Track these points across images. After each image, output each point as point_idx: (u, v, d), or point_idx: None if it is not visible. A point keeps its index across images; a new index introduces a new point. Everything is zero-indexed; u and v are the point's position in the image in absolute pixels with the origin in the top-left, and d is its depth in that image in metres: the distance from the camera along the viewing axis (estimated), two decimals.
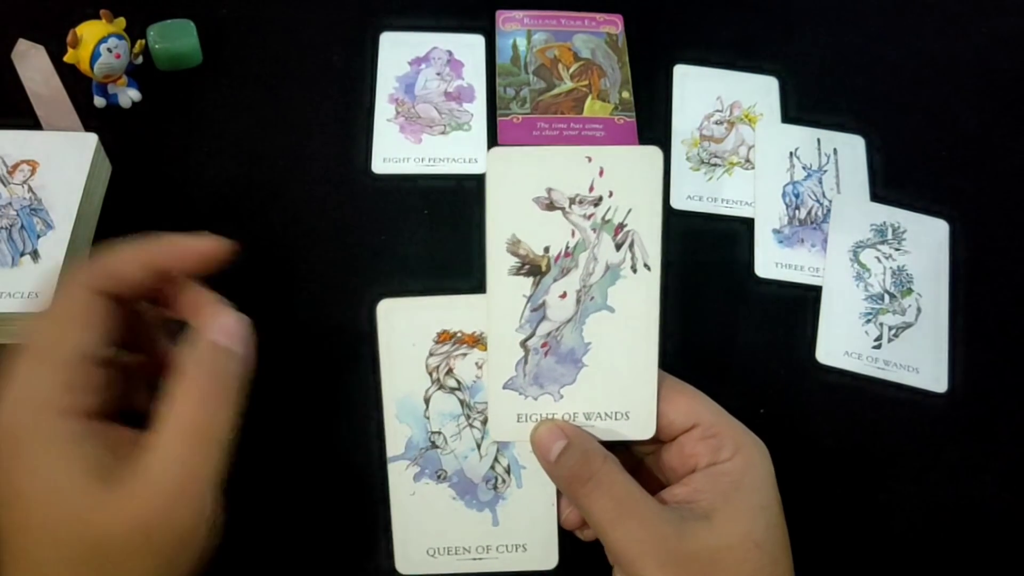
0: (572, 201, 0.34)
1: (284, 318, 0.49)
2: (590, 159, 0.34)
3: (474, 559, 0.38)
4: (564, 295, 0.35)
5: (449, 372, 0.37)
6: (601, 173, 0.34)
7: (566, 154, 0.34)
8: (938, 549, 0.47)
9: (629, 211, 0.34)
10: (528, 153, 0.35)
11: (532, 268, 0.35)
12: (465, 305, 0.36)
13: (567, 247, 0.35)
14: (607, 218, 0.34)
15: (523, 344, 0.35)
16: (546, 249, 0.35)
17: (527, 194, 0.34)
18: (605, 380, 0.36)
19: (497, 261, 0.34)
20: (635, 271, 0.35)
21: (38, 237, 0.46)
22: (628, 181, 0.34)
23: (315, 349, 0.49)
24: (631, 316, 0.35)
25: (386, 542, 0.37)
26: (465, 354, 0.36)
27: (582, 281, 0.35)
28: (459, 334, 0.36)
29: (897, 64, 0.63)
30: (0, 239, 0.46)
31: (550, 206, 0.34)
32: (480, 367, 0.37)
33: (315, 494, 0.45)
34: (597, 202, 0.34)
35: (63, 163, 0.49)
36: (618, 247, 0.35)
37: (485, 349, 0.36)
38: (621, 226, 0.35)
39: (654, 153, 0.34)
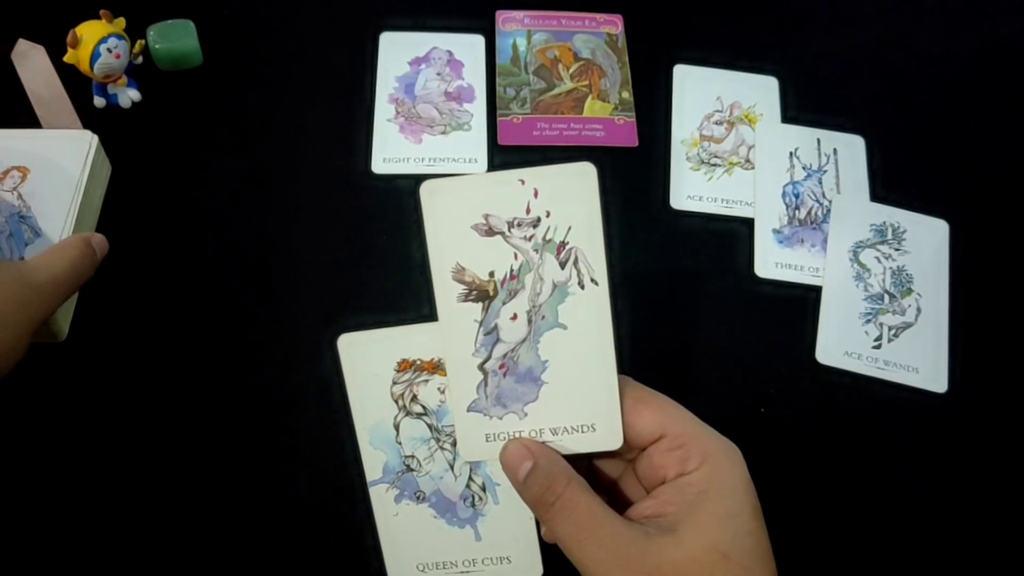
0: (511, 224, 0.35)
1: (282, 318, 0.50)
2: (523, 181, 0.34)
3: (462, 572, 0.39)
4: (515, 317, 0.35)
5: (414, 399, 0.38)
6: (536, 194, 0.34)
7: (498, 179, 0.34)
8: (938, 549, 0.47)
9: (569, 229, 0.35)
10: (459, 182, 0.35)
11: (480, 294, 0.35)
12: (420, 333, 0.37)
13: (512, 270, 0.35)
14: (548, 238, 0.35)
15: (481, 367, 0.36)
16: (491, 274, 0.35)
17: (465, 222, 0.34)
18: (567, 395, 0.36)
19: (445, 290, 0.35)
20: (583, 287, 0.35)
21: (26, 245, 0.46)
22: (564, 199, 0.34)
23: (315, 352, 0.49)
24: (584, 331, 0.35)
25: (377, 557, 0.38)
26: (427, 380, 0.37)
27: (531, 301, 0.35)
28: (418, 362, 0.37)
29: (897, 64, 0.63)
30: None
31: (489, 231, 0.35)
32: (443, 392, 0.37)
33: (304, 513, 0.45)
34: (536, 223, 0.35)
35: (62, 163, 0.49)
36: (562, 265, 0.35)
37: (445, 375, 0.36)
38: (563, 244, 0.35)
39: (587, 169, 0.34)
